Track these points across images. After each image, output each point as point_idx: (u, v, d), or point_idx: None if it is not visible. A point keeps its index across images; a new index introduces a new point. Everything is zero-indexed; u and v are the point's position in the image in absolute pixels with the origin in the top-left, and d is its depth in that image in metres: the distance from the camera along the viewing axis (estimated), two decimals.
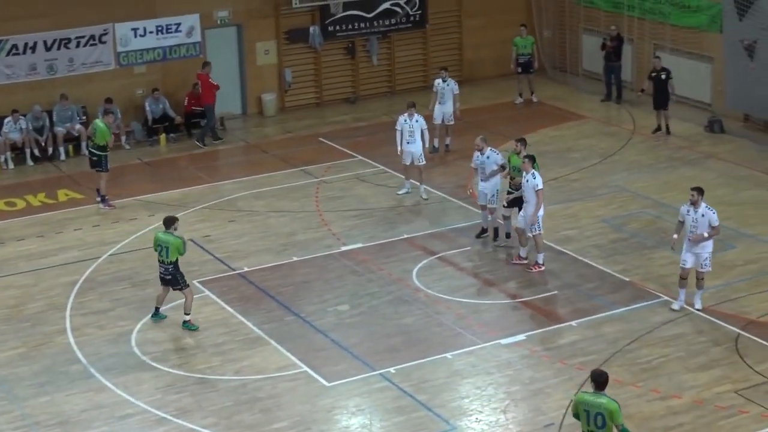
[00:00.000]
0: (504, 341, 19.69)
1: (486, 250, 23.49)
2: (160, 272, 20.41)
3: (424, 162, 26.27)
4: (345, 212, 25.77)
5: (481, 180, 23.55)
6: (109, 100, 30.24)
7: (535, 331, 20.07)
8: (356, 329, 20.35)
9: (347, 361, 19.24)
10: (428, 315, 20.77)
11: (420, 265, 22.83)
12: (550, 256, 22.84)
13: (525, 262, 22.53)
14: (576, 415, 14.41)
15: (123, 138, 30.80)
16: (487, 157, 23.37)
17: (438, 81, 29.39)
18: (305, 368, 18.95)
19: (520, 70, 33.96)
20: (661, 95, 30.42)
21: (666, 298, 21.03)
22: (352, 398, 18.06)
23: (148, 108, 31.14)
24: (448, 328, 20.28)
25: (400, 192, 26.55)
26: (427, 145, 26.45)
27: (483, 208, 23.76)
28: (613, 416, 14.00)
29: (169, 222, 20.44)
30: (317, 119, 33.16)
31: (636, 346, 19.43)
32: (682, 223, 20.38)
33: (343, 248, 23.78)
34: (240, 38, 33.14)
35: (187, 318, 20.35)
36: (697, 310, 20.31)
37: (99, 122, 26.65)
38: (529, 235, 22.25)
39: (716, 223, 20.21)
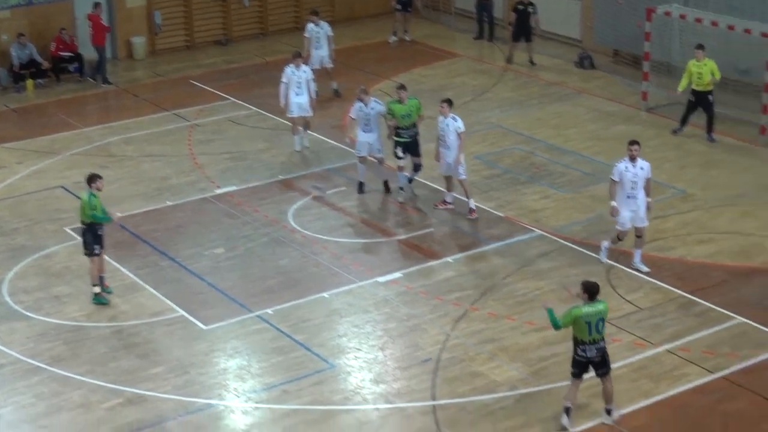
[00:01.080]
0: (381, 279, 19.74)
1: (361, 191, 23.39)
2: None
3: (311, 113, 25.48)
4: (218, 155, 25.51)
5: (363, 131, 23.09)
6: None
7: (411, 269, 20.14)
8: (232, 272, 20.22)
9: (224, 304, 19.12)
10: (305, 255, 20.72)
11: (295, 206, 22.74)
12: (425, 194, 22.88)
13: (451, 207, 22.24)
14: (557, 326, 15.26)
15: None
16: (372, 108, 22.88)
17: (311, 26, 29.00)
18: (182, 312, 18.80)
19: (399, 7, 33.80)
20: (522, 27, 30.70)
21: (540, 232, 21.27)
22: (229, 341, 17.98)
23: (13, 54, 30.35)
24: (325, 268, 20.26)
25: (296, 148, 25.54)
26: (314, 96, 25.52)
27: (362, 160, 23.23)
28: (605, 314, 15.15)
29: (90, 178, 19.20)
30: (188, 62, 32.70)
31: (511, 280, 19.64)
32: (616, 182, 19.36)
33: (218, 191, 23.55)
34: None
35: (96, 290, 19.38)
36: (645, 273, 19.62)
37: None
38: (457, 180, 21.98)
39: (649, 174, 19.58)
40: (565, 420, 15.50)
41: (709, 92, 25.24)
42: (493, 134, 26.33)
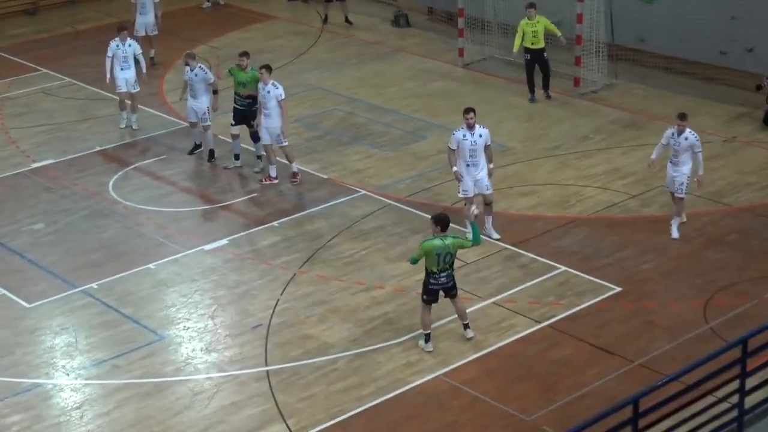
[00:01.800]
0: (207, 247, 19.57)
1: (183, 157, 23.14)
2: None
3: (138, 89, 24.65)
4: (33, 128, 24.84)
5: (191, 97, 22.65)
6: None
7: (237, 235, 20.02)
8: (54, 247, 19.80)
9: (47, 280, 18.71)
10: (128, 227, 20.40)
11: (115, 177, 22.33)
12: (246, 159, 22.69)
13: (276, 181, 21.86)
14: (415, 261, 16.14)
15: None
16: (195, 74, 22.48)
17: None
18: (3, 291, 18.34)
19: None
20: None
21: (363, 192, 21.33)
22: (54, 317, 17.61)
23: None
24: (150, 239, 19.99)
25: (122, 125, 24.79)
26: (144, 71, 24.76)
27: (193, 125, 22.96)
28: (461, 245, 16.15)
29: None
30: None
31: (337, 241, 19.68)
32: (453, 150, 19.11)
33: (34, 165, 22.96)
34: None
35: None
36: (496, 240, 19.49)
37: None
38: (279, 146, 21.70)
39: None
40: (427, 345, 16.34)
41: (543, 49, 25.43)
42: (312, 96, 26.27)
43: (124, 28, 24.78)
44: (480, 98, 25.70)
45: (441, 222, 16.06)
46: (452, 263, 16.11)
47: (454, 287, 16.31)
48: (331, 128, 24.48)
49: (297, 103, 25.60)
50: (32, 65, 28.80)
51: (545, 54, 25.53)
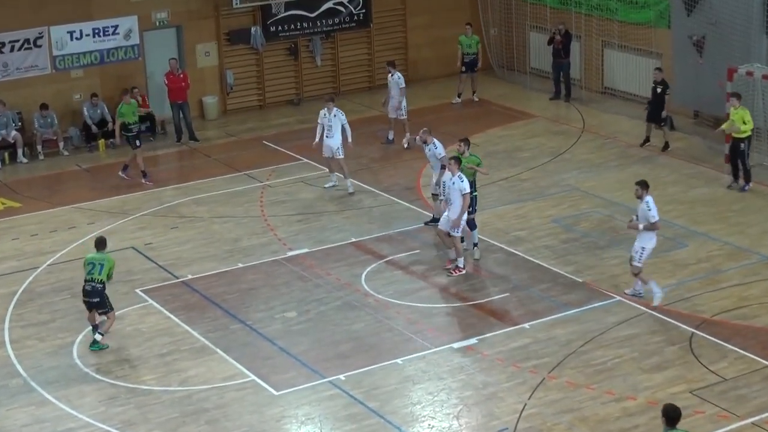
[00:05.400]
0: (456, 345, 19.32)
1: (436, 253, 23.05)
2: (87, 293, 19.59)
3: (342, 156, 26.26)
4: (290, 216, 25.28)
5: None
6: (44, 106, 29.67)
7: (487, 335, 19.70)
8: (304, 336, 19.90)
9: (296, 368, 18.79)
10: (378, 320, 20.35)
11: (368, 269, 22.41)
12: (501, 258, 22.50)
13: (464, 271, 22.05)
14: None
15: (61, 144, 30.16)
16: (429, 150, 23.87)
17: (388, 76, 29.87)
18: (253, 377, 18.49)
19: (464, 69, 33.62)
20: (656, 108, 29.08)
21: (619, 298, 20.76)
22: (301, 407, 17.63)
23: (86, 113, 30.47)
24: (399, 333, 19.87)
25: (327, 185, 26.72)
26: (350, 140, 26.42)
27: (435, 198, 24.01)
28: None
29: (102, 243, 19.82)
30: (260, 122, 32.63)
31: (590, 347, 19.13)
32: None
33: (290, 253, 23.29)
34: (179, 40, 32.53)
35: (99, 338, 19.61)
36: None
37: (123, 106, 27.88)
38: (452, 235, 21.93)
39: (654, 219, 20.23)
40: None
41: (742, 140, 25.54)
42: (571, 197, 25.87)
43: (332, 99, 26.79)
44: (746, 206, 24.92)
45: (668, 414, 13.71)
46: None
47: None
48: (589, 231, 23.98)
49: (554, 203, 25.29)
50: (293, 154, 29.43)
51: (742, 145, 25.52)
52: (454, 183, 21.71)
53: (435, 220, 23.52)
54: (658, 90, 28.83)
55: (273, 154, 29.61)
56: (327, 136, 26.26)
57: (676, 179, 26.86)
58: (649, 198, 20.35)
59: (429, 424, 17.04)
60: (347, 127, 26.35)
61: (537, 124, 31.61)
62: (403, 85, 29.62)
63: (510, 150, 29.08)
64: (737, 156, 25.84)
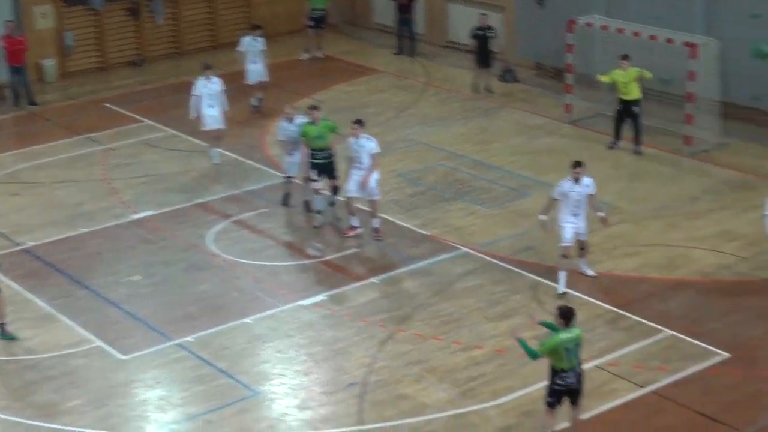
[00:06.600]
0: (304, 302, 19.36)
1: (283, 211, 23.01)
2: None
3: (223, 126, 25.36)
4: (134, 179, 24.94)
5: (289, 153, 22.70)
6: None
7: (335, 291, 19.79)
8: (151, 299, 19.72)
9: (143, 332, 18.61)
10: (225, 280, 20.27)
11: (215, 229, 22.28)
12: (344, 213, 22.49)
13: (360, 230, 21.70)
14: (534, 356, 14.66)
15: None
16: (297, 126, 22.34)
17: (247, 39, 28.88)
18: (99, 343, 18.24)
19: (312, 24, 33.50)
20: (483, 54, 29.87)
21: (465, 249, 21.00)
22: (149, 370, 17.50)
23: None
24: (247, 293, 19.83)
25: (216, 161, 25.42)
26: (226, 108, 25.35)
27: (289, 180, 23.01)
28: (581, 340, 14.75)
29: None
30: (101, 84, 32.01)
31: (437, 299, 19.37)
32: (555, 200, 19.43)
33: (134, 216, 23.00)
34: (15, 2, 31.62)
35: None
36: (592, 275, 19.87)
37: None
38: (370, 200, 21.56)
39: (594, 191, 19.57)
40: None
41: (635, 102, 25.19)
42: (416, 151, 26.06)
43: (209, 66, 25.44)
44: (587, 155, 25.16)
45: (565, 315, 14.72)
46: (580, 359, 14.86)
47: (579, 392, 14.92)
48: (434, 184, 24.20)
49: (400, 157, 25.45)
50: (136, 116, 29.01)
51: (635, 108, 25.22)
52: (363, 146, 21.32)
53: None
54: (488, 35, 29.41)
55: (115, 117, 29.06)
56: (209, 106, 24.95)
57: (519, 130, 27.27)
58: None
59: (279, 382, 17.09)
60: (223, 96, 25.19)
61: (382, 79, 31.72)
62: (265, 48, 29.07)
63: (355, 106, 29.10)
64: (630, 118, 25.43)
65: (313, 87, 30.83)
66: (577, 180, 19.24)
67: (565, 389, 14.78)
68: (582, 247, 19.81)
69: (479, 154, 25.74)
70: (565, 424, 15.30)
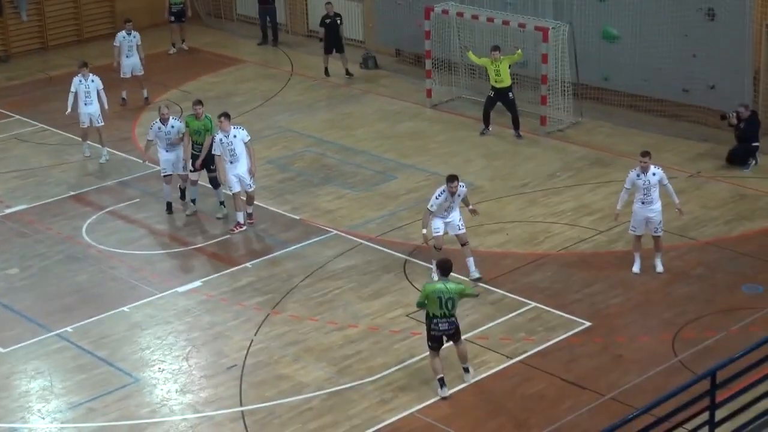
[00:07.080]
0: (181, 289, 19.70)
1: (156, 201, 23.30)
2: None
3: (103, 123, 25.33)
4: (6, 174, 24.94)
5: (166, 150, 22.48)
6: None
7: (211, 276, 20.16)
8: (28, 292, 19.87)
9: (21, 325, 18.76)
10: (102, 270, 20.50)
11: (89, 221, 22.45)
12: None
13: (245, 227, 21.81)
14: (421, 304, 16.18)
15: None
16: (172, 127, 22.32)
17: (122, 34, 28.86)
18: None
19: (173, 18, 33.68)
20: (332, 39, 30.57)
21: (336, 231, 21.54)
22: (30, 362, 17.65)
23: None
24: (124, 282, 20.09)
25: (86, 154, 25.49)
26: (106, 106, 25.39)
27: (168, 180, 22.61)
28: (462, 293, 16.14)
29: None
30: None
31: (310, 281, 19.82)
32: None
33: (7, 211, 23.07)
34: None
35: None
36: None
37: None
38: (248, 191, 21.73)
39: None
40: (442, 391, 16.20)
41: (508, 89, 25.75)
42: (284, 138, 26.50)
43: (86, 64, 25.37)
44: (448, 138, 26.05)
45: (441, 266, 16.25)
46: (454, 309, 16.05)
47: (456, 333, 16.27)
48: (303, 170, 24.69)
49: (269, 145, 25.84)
50: (5, 111, 28.91)
51: (510, 94, 25.87)
52: (235, 136, 21.32)
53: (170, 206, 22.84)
54: (339, 21, 30.36)
55: None
56: (86, 104, 24.92)
57: (382, 116, 27.84)
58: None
59: (159, 368, 17.37)
60: (103, 93, 25.19)
61: (247, 69, 32.06)
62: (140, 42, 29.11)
63: (222, 95, 29.42)
64: (506, 105, 25.85)
65: (180, 79, 31.04)
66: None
67: (440, 334, 16.06)
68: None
69: (345, 140, 26.27)
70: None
